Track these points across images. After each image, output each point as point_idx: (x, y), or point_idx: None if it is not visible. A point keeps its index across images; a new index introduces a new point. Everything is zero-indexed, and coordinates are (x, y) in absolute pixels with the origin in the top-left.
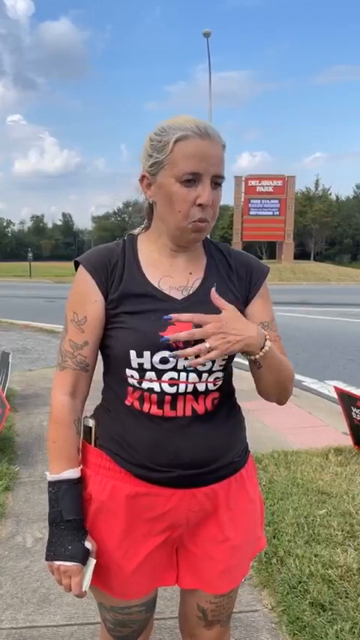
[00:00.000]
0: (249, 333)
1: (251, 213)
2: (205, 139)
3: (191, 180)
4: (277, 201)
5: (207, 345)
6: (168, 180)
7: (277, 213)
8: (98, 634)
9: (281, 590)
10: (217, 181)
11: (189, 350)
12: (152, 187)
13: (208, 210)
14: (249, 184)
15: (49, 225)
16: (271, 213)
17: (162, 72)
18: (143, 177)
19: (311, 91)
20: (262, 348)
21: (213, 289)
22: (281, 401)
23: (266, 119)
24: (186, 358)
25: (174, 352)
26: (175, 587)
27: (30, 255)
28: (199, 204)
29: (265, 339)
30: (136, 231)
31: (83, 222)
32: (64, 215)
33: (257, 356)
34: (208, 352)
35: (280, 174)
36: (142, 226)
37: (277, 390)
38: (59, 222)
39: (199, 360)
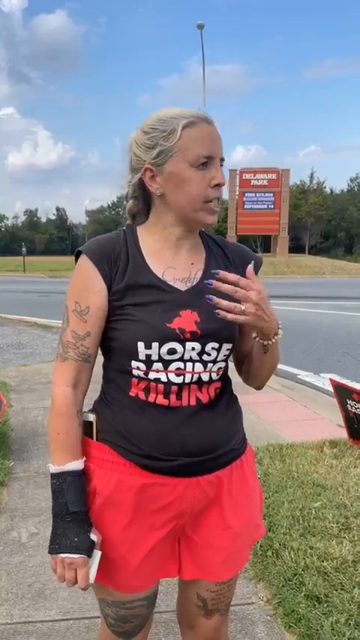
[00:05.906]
0: (274, 316)
1: (246, 206)
2: (210, 123)
3: (205, 163)
4: (271, 195)
5: (242, 307)
6: (181, 166)
7: (272, 206)
8: (94, 628)
9: (276, 582)
10: (222, 164)
11: (225, 302)
12: (159, 179)
13: (221, 189)
14: (243, 178)
15: (43, 220)
16: (265, 206)
17: (155, 65)
18: (146, 170)
19: (304, 85)
20: (276, 334)
21: (250, 267)
22: (262, 386)
23: (260, 112)
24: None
25: (212, 297)
26: (170, 581)
27: (24, 249)
28: (216, 185)
29: (279, 327)
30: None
31: (77, 217)
32: (58, 209)
33: (270, 342)
34: (241, 314)
35: (274, 168)
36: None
37: (267, 375)
38: (53, 217)
39: (230, 316)
